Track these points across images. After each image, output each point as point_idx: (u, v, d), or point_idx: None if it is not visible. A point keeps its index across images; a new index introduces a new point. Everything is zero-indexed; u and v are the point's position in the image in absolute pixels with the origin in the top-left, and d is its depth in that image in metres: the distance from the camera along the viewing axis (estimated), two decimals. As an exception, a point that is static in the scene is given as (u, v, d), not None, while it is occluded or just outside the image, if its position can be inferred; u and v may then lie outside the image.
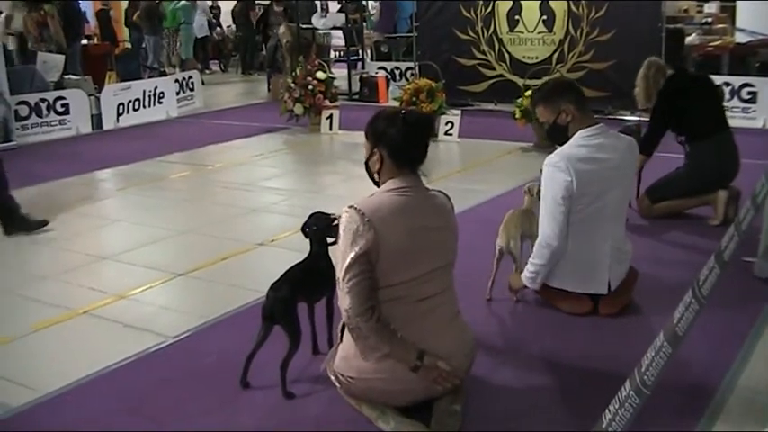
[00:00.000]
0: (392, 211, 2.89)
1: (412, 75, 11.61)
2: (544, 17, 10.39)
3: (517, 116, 8.22)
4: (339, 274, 2.90)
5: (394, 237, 2.85)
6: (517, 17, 10.59)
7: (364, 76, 12.73)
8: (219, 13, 20.16)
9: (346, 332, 3.06)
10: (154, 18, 14.29)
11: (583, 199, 3.84)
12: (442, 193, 3.14)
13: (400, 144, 2.95)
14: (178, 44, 16.28)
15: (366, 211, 2.85)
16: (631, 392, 1.76)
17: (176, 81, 12.21)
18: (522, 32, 10.59)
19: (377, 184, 3.06)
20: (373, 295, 2.84)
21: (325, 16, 13.26)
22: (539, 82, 9.20)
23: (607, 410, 1.79)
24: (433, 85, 9.29)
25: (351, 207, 2.89)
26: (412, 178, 2.99)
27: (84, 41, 13.96)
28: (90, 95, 10.64)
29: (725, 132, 5.49)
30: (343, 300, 2.86)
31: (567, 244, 3.89)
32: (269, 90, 13.80)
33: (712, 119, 5.50)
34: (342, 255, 2.87)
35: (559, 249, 3.88)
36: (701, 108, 5.47)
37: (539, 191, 4.05)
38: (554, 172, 3.83)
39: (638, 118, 8.82)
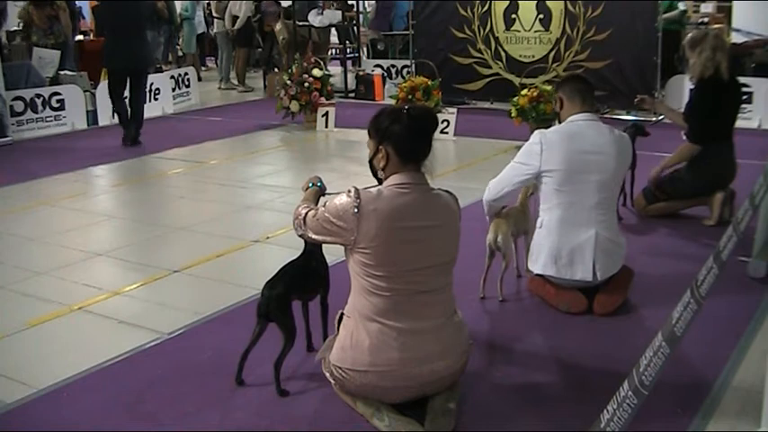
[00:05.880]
0: (388, 203, 2.91)
1: (408, 72, 11.60)
2: (541, 16, 10.38)
3: (513, 114, 8.20)
4: (304, 211, 3.10)
5: (383, 229, 2.87)
6: (514, 16, 10.58)
7: (361, 73, 12.71)
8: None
9: (343, 323, 3.08)
10: (154, 14, 14.26)
11: (555, 174, 3.94)
12: (450, 193, 3.14)
13: (406, 139, 2.97)
14: (180, 39, 16.27)
15: (363, 199, 2.89)
16: (629, 393, 1.76)
17: (172, 77, 12.17)
18: (519, 31, 10.58)
19: (380, 181, 3.07)
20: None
21: (322, 13, 13.22)
22: (535, 81, 9.25)
23: (605, 410, 1.79)
24: (430, 83, 9.28)
25: (356, 190, 2.93)
26: (415, 175, 3.00)
27: (80, 37, 13.91)
28: (86, 91, 10.60)
29: (731, 139, 5.47)
30: (303, 227, 3.10)
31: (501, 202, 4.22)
32: (265, 87, 13.78)
33: (730, 125, 5.46)
34: (325, 210, 3.00)
35: (491, 206, 4.23)
36: (728, 112, 5.43)
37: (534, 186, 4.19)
38: (529, 143, 4.06)
39: (634, 117, 8.83)
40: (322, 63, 10.47)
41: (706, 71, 5.26)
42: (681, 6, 11.61)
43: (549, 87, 8.38)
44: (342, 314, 3.12)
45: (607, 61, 9.87)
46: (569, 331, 3.85)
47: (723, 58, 5.25)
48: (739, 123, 5.54)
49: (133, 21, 8.91)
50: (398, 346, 2.92)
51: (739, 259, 4.42)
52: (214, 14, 14.60)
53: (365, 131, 3.11)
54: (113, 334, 4.02)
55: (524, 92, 8.20)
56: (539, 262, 4.10)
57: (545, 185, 4.02)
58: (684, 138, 5.53)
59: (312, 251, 3.44)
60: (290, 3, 14.40)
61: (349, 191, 2.93)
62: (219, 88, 14.38)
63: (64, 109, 10.25)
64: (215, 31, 14.92)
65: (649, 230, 5.39)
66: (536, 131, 4.07)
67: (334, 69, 13.40)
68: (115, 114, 9.44)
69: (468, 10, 10.89)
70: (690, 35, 5.76)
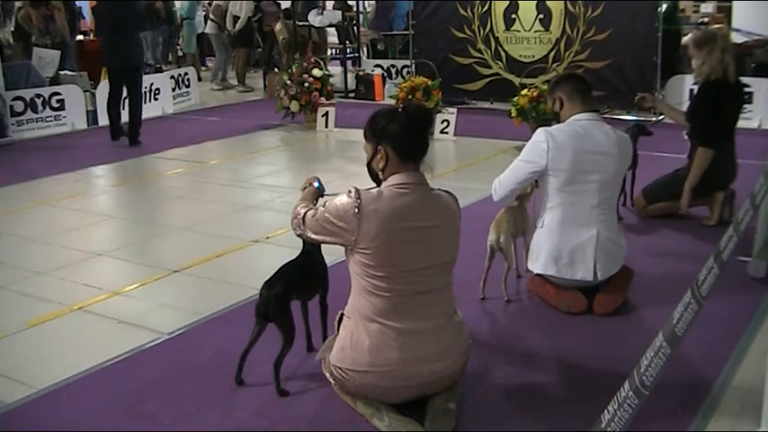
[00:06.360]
0: (389, 204, 2.90)
1: (408, 72, 11.61)
2: (541, 16, 10.38)
3: (513, 114, 8.20)
4: (303, 211, 3.09)
5: (383, 229, 2.86)
6: (514, 16, 10.59)
7: (361, 73, 12.71)
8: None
9: (343, 324, 3.08)
10: (152, 14, 14.28)
11: (560, 174, 3.94)
12: (449, 193, 3.13)
13: (404, 138, 2.97)
14: (180, 39, 16.26)
15: (364, 199, 2.88)
16: (630, 393, 1.76)
17: (172, 77, 12.17)
18: (519, 31, 10.58)
19: (379, 183, 3.05)
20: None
21: (322, 13, 13.23)
22: (535, 81, 9.24)
23: (606, 411, 1.79)
24: (430, 83, 9.28)
25: (356, 190, 2.91)
26: (415, 175, 3.00)
27: (80, 37, 13.91)
28: (86, 91, 10.60)
29: (732, 140, 5.47)
30: (302, 227, 3.08)
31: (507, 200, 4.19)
32: (265, 87, 13.78)
33: (732, 126, 5.46)
34: (325, 210, 2.98)
35: (498, 201, 4.20)
36: (731, 114, 5.43)
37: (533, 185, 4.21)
38: (534, 141, 4.03)
39: (634, 117, 8.82)
40: (322, 63, 10.46)
41: (713, 73, 5.21)
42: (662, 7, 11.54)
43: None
44: (342, 314, 3.11)
45: (607, 61, 9.87)
46: (569, 331, 3.85)
47: (731, 60, 5.23)
48: (739, 123, 5.54)
49: (128, 20, 9.08)
50: (398, 346, 2.92)
51: (739, 259, 4.42)
52: (210, 16, 14.58)
53: (365, 132, 3.10)
54: (113, 334, 4.02)
55: (524, 92, 8.19)
56: (539, 262, 4.10)
57: (548, 185, 4.01)
58: (686, 137, 5.52)
59: (311, 251, 3.44)
60: (290, 3, 14.40)
61: (349, 191, 2.92)
62: (212, 89, 14.33)
63: (64, 109, 10.26)
64: (207, 31, 14.90)
65: (649, 230, 5.39)
66: (540, 129, 4.05)
67: (334, 69, 13.40)
68: (108, 114, 9.53)
69: (468, 10, 10.89)
70: (692, 34, 5.74)
